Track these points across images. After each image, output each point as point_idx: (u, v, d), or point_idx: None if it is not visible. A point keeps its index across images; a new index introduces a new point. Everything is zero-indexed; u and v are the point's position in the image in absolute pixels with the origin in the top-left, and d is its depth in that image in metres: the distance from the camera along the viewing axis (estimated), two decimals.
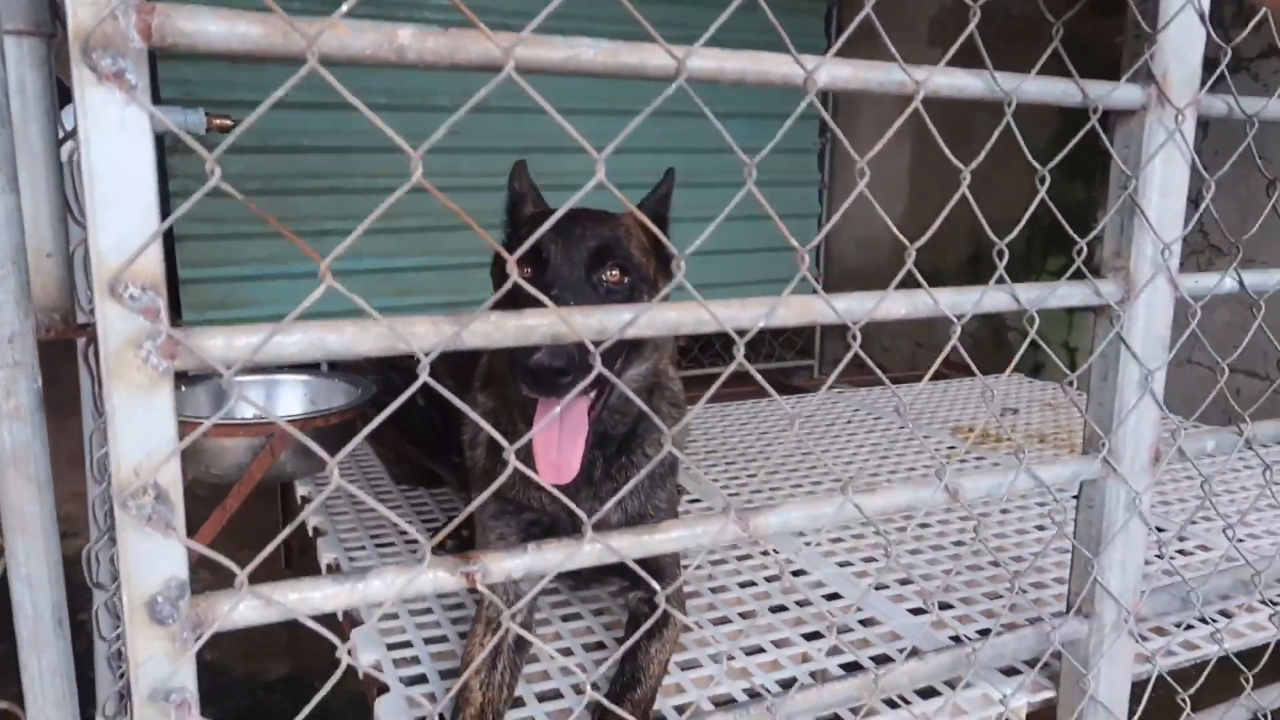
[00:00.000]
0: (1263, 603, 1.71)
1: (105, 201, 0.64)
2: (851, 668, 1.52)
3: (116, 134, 0.63)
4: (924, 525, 2.13)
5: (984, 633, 1.43)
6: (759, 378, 0.98)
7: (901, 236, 1.01)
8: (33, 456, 0.72)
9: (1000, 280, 1.10)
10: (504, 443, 0.82)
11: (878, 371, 1.07)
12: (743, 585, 1.81)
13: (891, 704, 1.41)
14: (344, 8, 0.68)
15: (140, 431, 0.69)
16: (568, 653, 1.54)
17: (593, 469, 1.39)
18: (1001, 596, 1.77)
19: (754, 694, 1.42)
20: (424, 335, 0.78)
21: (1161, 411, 1.30)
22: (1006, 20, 3.83)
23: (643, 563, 0.95)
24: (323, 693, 0.81)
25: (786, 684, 1.46)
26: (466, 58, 0.75)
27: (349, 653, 0.79)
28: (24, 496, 0.71)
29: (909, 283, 1.04)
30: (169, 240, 3.32)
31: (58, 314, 0.80)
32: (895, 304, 1.04)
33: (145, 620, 0.73)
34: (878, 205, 1.03)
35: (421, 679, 1.43)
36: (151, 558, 0.71)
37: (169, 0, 0.65)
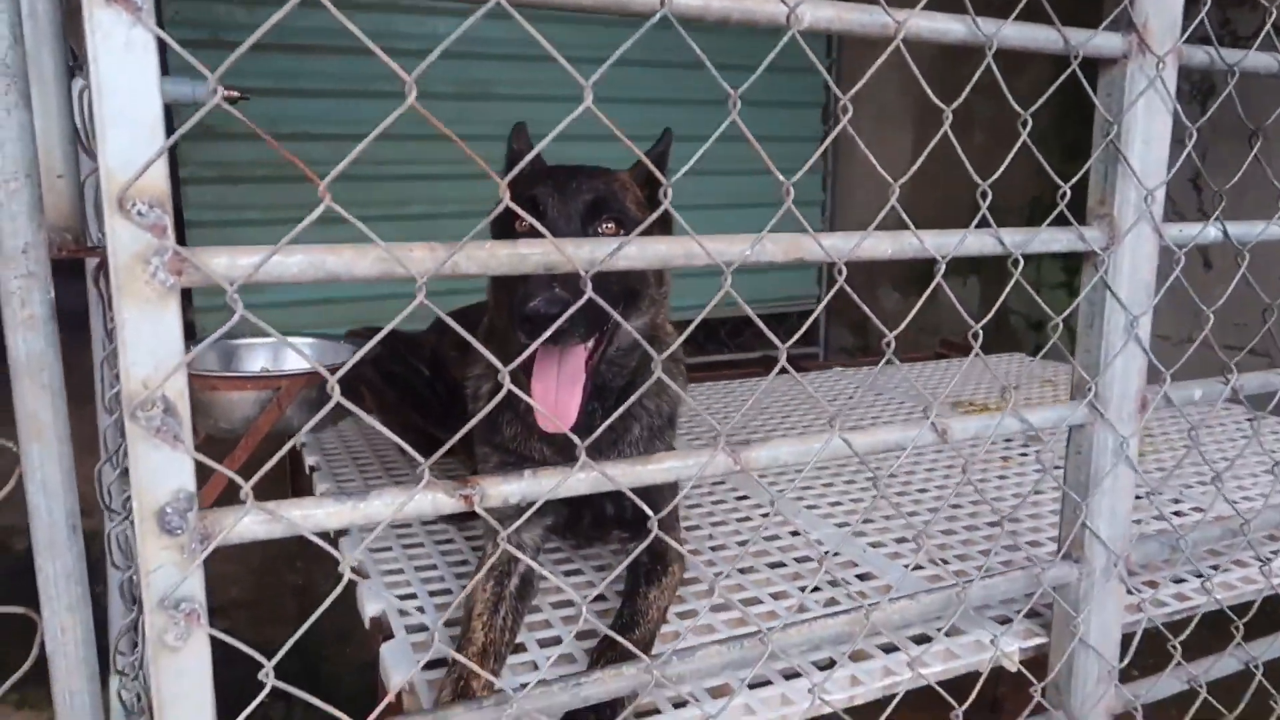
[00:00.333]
0: (1255, 559, 1.73)
1: (113, 118, 0.67)
2: None
3: (123, 53, 0.67)
4: (922, 490, 2.15)
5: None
6: (761, 324, 1.01)
7: (886, 174, 1.04)
8: (46, 365, 0.75)
9: (984, 224, 1.13)
10: (498, 364, 0.85)
11: (878, 328, 1.10)
12: (740, 544, 1.84)
13: (886, 650, 1.43)
14: None
15: (149, 345, 0.72)
16: (568, 604, 1.57)
17: (592, 419, 1.42)
18: (998, 555, 1.80)
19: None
20: (420, 259, 0.82)
21: (1148, 358, 1.32)
22: None
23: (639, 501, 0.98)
24: (324, 606, 0.85)
25: None
26: None
27: (350, 569, 0.83)
28: (38, 404, 0.75)
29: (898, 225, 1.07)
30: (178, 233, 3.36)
31: (69, 234, 0.83)
32: (880, 243, 1.07)
33: (155, 530, 0.76)
34: (873, 159, 1.05)
35: (423, 628, 1.46)
36: (161, 469, 0.75)
37: None
